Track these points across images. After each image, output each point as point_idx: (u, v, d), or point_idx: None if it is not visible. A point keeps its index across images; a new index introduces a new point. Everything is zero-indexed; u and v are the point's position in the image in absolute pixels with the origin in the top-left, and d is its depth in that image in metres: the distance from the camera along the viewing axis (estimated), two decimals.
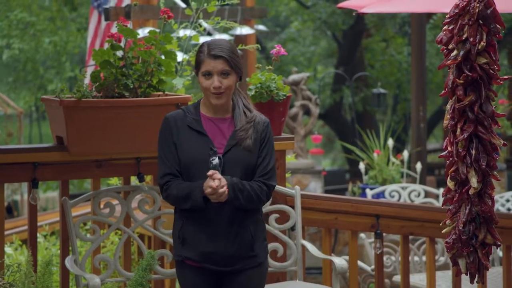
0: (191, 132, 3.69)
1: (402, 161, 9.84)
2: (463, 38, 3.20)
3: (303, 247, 4.71)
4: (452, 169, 3.26)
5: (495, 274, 6.10)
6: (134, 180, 4.78)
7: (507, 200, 8.71)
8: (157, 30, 4.54)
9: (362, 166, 9.80)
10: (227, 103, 3.74)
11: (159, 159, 3.74)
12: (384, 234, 5.15)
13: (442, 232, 3.36)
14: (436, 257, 6.76)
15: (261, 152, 3.72)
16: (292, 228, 4.69)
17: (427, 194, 9.06)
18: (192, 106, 3.79)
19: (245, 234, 3.68)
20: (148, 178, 5.00)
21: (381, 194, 8.87)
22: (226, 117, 3.74)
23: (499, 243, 3.30)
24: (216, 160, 3.64)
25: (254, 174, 3.71)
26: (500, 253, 6.64)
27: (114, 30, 6.15)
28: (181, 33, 5.45)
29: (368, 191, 8.98)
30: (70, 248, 4.39)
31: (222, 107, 3.73)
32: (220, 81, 3.66)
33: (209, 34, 8.38)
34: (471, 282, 3.33)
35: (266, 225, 4.61)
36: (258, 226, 3.76)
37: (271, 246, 4.58)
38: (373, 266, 5.63)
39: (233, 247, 3.66)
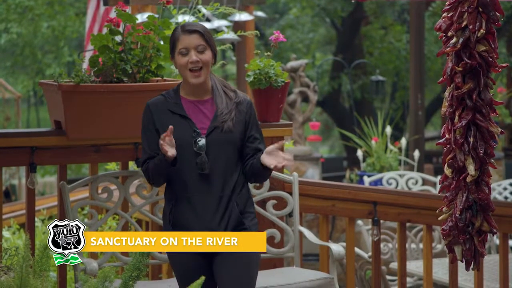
0: (174, 116, 3.70)
1: (400, 149, 9.85)
2: (463, 26, 3.19)
3: (301, 233, 4.72)
4: (449, 156, 3.27)
5: (491, 262, 6.11)
6: (132, 165, 4.78)
7: (505, 189, 8.74)
8: (156, 16, 4.53)
9: (360, 153, 9.81)
10: (206, 83, 3.73)
11: (142, 146, 3.78)
12: (381, 221, 5.16)
13: (439, 219, 3.37)
14: (433, 244, 6.77)
15: (250, 132, 3.73)
16: (290, 215, 4.70)
17: (425, 182, 9.08)
18: (172, 91, 3.80)
19: (233, 210, 3.67)
20: None
21: (378, 182, 8.89)
22: (206, 98, 3.74)
23: (495, 230, 3.31)
24: (202, 141, 3.65)
25: (241, 152, 3.72)
26: (497, 241, 6.66)
27: (112, 15, 6.14)
28: (180, 18, 5.42)
29: (365, 178, 9.00)
30: None
31: (201, 87, 3.72)
32: (197, 55, 3.67)
33: (207, 20, 8.36)
34: (467, 269, 3.34)
35: (264, 211, 4.63)
36: (247, 201, 3.75)
37: (269, 232, 4.60)
38: (370, 253, 5.64)
39: (223, 224, 3.66)
